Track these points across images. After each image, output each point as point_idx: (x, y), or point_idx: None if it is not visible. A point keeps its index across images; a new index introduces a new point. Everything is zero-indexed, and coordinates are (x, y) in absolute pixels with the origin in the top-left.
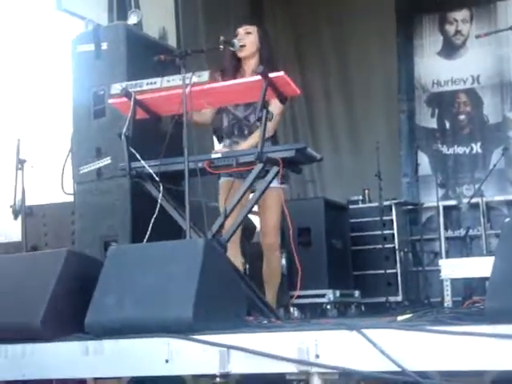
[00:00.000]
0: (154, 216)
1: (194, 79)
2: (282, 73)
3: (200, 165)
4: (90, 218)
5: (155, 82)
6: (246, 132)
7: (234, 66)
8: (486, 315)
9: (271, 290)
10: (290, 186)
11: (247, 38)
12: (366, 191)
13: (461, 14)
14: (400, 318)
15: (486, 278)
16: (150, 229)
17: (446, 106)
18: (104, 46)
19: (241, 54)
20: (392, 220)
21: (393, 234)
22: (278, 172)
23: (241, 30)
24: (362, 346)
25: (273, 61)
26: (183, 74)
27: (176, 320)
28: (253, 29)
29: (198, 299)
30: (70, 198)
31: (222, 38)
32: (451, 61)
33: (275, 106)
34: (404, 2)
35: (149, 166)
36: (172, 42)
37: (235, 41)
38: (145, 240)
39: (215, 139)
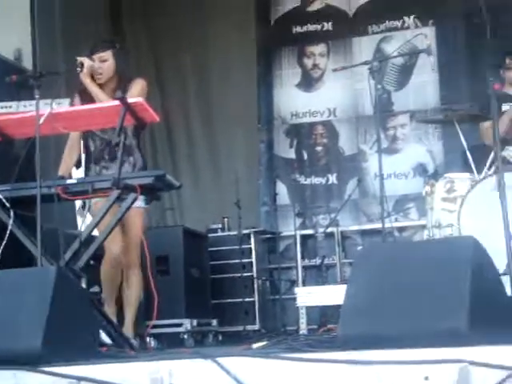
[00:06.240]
0: (3, 243)
1: (54, 106)
2: (140, 98)
3: (53, 190)
4: None
5: (10, 106)
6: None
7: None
8: (339, 342)
9: (130, 313)
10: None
11: (103, 66)
12: (226, 219)
13: (318, 48)
14: (255, 345)
15: (340, 306)
16: None
17: (304, 138)
18: None
19: (99, 82)
20: (251, 248)
21: (251, 263)
22: (135, 199)
23: (95, 58)
24: (216, 374)
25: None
26: (37, 97)
27: (24, 351)
28: (108, 55)
29: (47, 329)
30: None
31: (79, 59)
32: (309, 93)
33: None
34: (264, 33)
35: None
36: (28, 64)
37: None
38: None
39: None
